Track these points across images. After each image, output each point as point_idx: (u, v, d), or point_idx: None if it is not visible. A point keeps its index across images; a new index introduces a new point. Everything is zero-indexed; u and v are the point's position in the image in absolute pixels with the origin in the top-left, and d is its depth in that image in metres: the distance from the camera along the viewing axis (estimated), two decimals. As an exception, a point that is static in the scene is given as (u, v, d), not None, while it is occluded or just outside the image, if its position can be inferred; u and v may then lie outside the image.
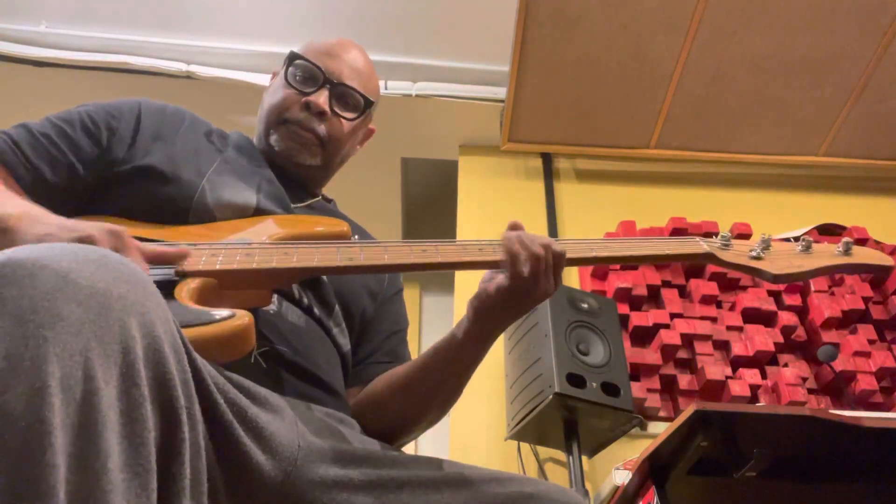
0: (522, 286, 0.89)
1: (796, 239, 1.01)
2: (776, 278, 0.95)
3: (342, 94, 1.14)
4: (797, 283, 2.32)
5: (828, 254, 0.98)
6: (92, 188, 0.98)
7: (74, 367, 0.47)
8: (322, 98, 1.11)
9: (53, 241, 0.71)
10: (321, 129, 1.11)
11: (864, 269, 0.99)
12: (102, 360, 0.49)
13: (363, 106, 1.16)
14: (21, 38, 2.60)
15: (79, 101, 1.07)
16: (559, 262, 0.90)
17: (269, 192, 1.05)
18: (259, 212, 1.01)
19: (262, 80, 2.48)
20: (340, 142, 1.15)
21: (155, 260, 0.81)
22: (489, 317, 0.93)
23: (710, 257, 0.96)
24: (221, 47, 2.62)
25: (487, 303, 0.91)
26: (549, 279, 0.90)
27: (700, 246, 0.97)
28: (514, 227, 0.93)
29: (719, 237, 0.98)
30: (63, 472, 0.45)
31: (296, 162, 1.12)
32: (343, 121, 1.14)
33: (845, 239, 0.99)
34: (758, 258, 0.96)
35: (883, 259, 0.99)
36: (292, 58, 1.13)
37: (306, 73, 1.13)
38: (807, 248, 0.98)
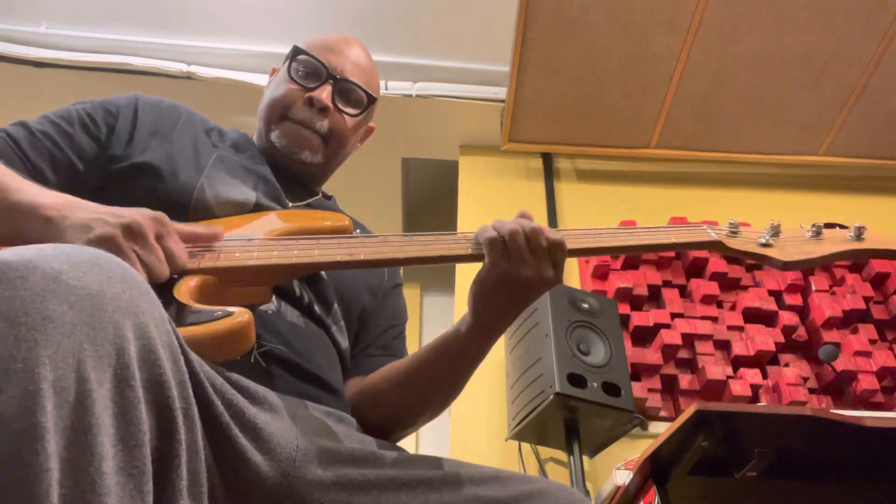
0: (505, 270, 0.85)
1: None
2: (787, 265, 0.91)
3: (345, 90, 1.12)
4: (800, 282, 2.32)
5: (839, 239, 0.95)
6: (91, 187, 0.97)
7: (67, 369, 0.46)
8: (325, 93, 1.09)
9: (101, 224, 0.74)
10: (324, 125, 1.10)
11: (877, 254, 0.95)
12: (95, 361, 0.48)
13: (366, 102, 1.15)
14: (21, 38, 2.61)
15: (79, 102, 1.07)
16: (554, 248, 0.85)
17: (265, 190, 1.04)
18: (259, 208, 1.00)
19: (262, 80, 2.45)
20: (343, 137, 1.14)
21: (190, 240, 0.85)
22: (485, 309, 0.90)
23: (717, 245, 0.93)
24: (221, 47, 2.62)
25: (479, 293, 0.89)
26: (540, 263, 0.85)
27: (707, 234, 0.94)
28: (522, 215, 0.89)
29: (727, 225, 0.95)
30: (56, 476, 0.44)
31: (297, 159, 1.10)
32: (346, 116, 1.13)
33: (857, 224, 0.95)
34: (767, 245, 0.93)
35: None
36: (295, 52, 1.12)
37: (309, 67, 1.11)
38: (817, 234, 0.95)
